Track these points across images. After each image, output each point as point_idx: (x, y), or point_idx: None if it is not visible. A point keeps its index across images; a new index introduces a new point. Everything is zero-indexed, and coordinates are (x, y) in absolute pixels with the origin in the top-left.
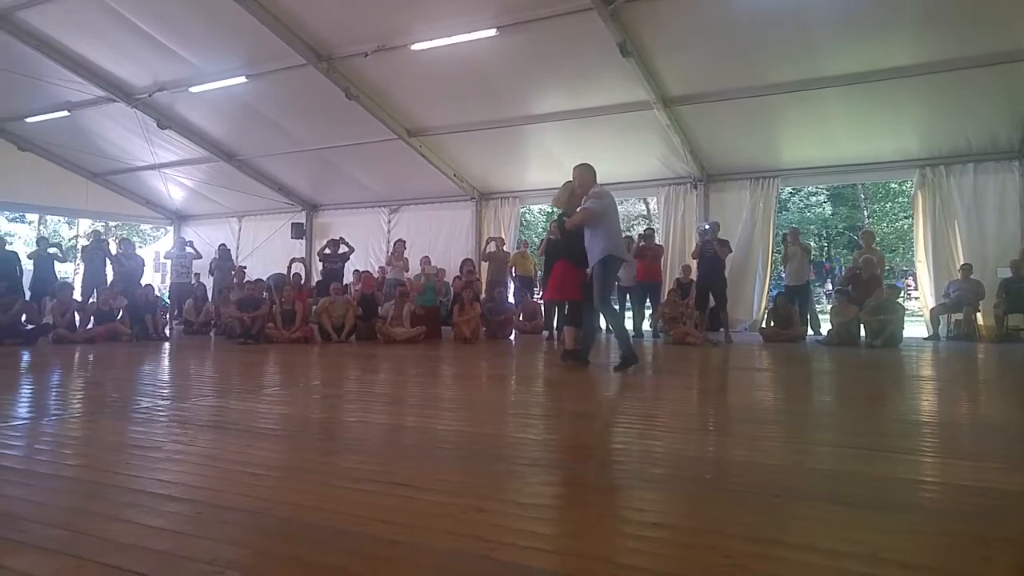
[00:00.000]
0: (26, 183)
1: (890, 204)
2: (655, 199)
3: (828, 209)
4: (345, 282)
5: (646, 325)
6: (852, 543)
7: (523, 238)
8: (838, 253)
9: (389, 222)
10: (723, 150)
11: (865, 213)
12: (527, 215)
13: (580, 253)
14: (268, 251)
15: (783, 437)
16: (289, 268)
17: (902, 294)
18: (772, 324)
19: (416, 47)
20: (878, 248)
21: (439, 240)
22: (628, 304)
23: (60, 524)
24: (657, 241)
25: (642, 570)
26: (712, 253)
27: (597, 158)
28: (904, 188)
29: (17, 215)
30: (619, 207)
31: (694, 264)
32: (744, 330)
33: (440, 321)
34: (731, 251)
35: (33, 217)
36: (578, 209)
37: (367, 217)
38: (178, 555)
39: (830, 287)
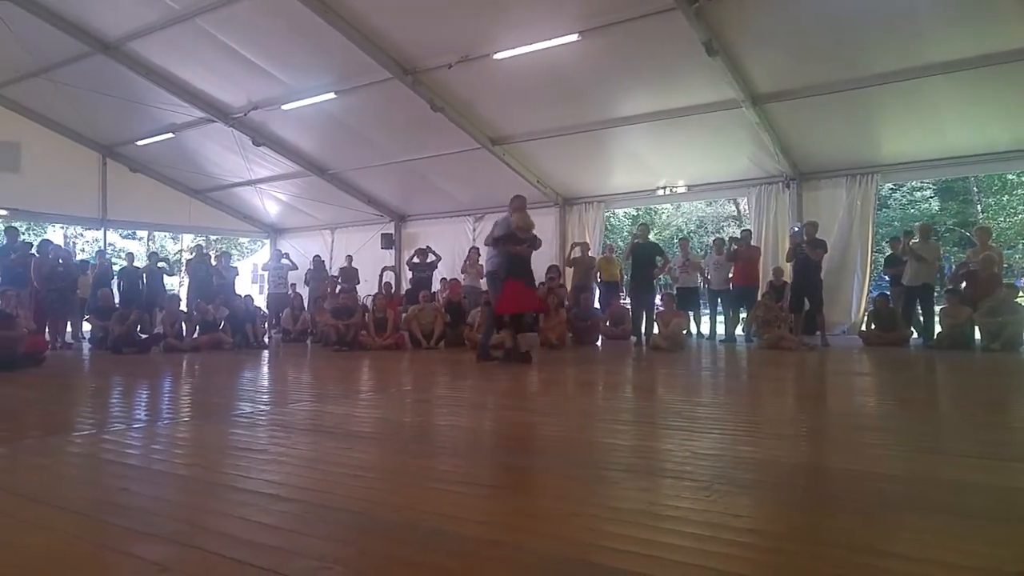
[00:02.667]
0: (137, 202)
1: (1007, 197)
2: (745, 200)
3: (935, 205)
4: (433, 290)
5: (739, 330)
6: (970, 556)
7: (608, 242)
8: (947, 251)
9: (474, 230)
10: (817, 147)
11: (979, 208)
12: (612, 219)
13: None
14: (359, 261)
15: (889, 444)
16: (380, 277)
17: (1021, 293)
18: (873, 327)
19: (499, 56)
20: (995, 245)
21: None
22: (720, 308)
23: (180, 518)
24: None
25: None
26: (805, 255)
27: (684, 159)
28: None
29: (129, 232)
30: (708, 208)
31: (788, 267)
32: (842, 333)
33: (525, 327)
34: (826, 251)
35: (142, 233)
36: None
37: (453, 226)
38: (290, 551)
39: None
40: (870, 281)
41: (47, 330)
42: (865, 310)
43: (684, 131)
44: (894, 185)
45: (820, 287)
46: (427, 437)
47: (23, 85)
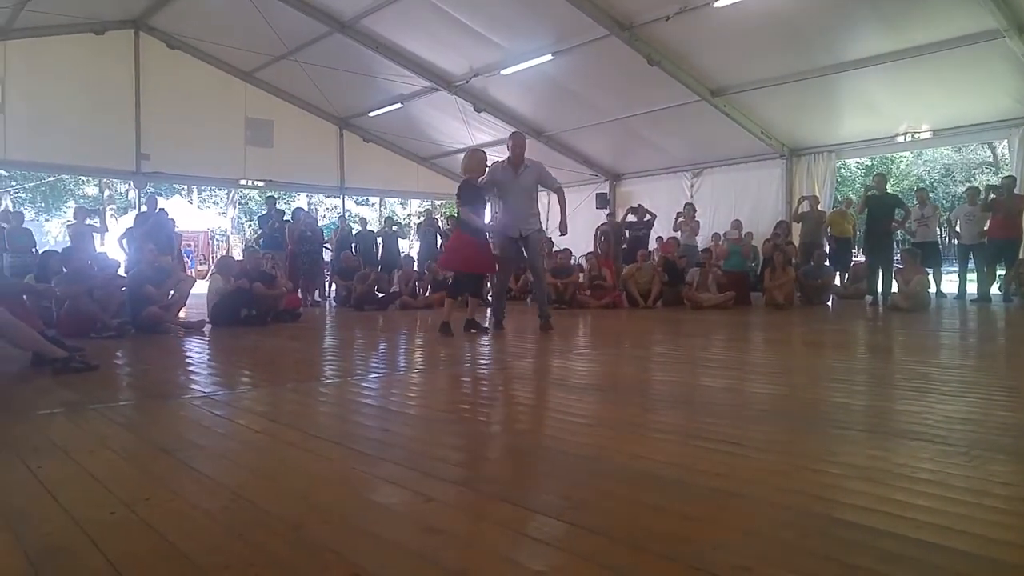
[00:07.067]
0: (370, 170)
1: None
2: (1005, 143)
3: None
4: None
5: (995, 288)
6: None
7: (840, 196)
8: None
9: (692, 186)
10: None
11: None
12: (843, 170)
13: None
14: (573, 222)
15: None
16: (596, 238)
17: None
18: None
19: (719, 4)
20: None
21: (745, 202)
22: (971, 264)
23: (434, 456)
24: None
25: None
26: None
27: (928, 101)
28: None
29: (363, 199)
30: (958, 154)
31: None
32: None
33: (749, 286)
34: None
35: (374, 199)
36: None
37: (669, 183)
38: (532, 490)
39: None
40: None
41: (299, 289)
42: None
43: (928, 70)
44: None
45: None
46: (650, 391)
47: (274, 68)
